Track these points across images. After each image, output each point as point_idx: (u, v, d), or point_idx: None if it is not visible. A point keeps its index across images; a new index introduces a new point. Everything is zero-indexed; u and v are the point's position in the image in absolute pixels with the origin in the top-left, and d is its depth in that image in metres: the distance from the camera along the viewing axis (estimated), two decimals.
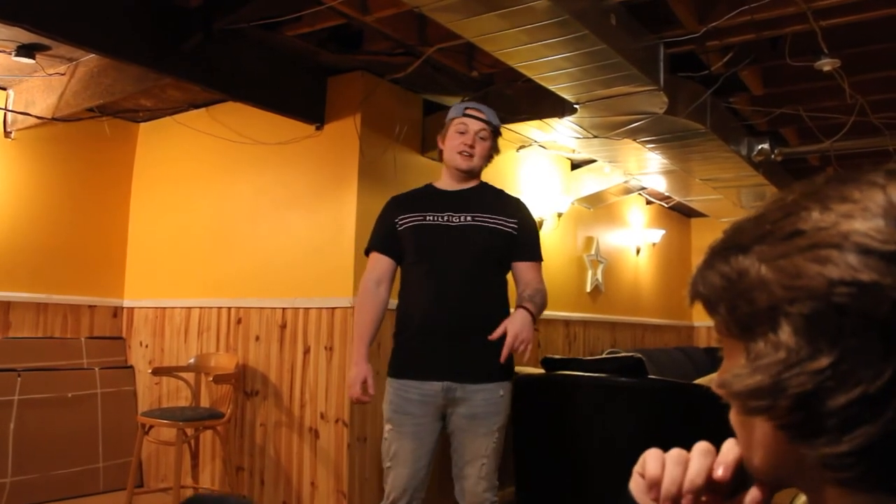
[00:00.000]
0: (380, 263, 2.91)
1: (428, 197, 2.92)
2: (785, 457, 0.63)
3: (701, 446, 0.75)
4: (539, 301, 2.75)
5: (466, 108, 2.88)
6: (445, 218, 2.80)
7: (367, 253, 2.98)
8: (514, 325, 2.59)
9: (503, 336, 2.62)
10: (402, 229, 2.85)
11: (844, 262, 0.56)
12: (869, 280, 0.55)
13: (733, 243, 0.66)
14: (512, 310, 2.78)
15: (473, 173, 2.89)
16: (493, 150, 2.93)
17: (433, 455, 2.79)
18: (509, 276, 2.94)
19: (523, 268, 2.85)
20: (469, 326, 2.71)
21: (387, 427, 2.80)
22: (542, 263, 2.94)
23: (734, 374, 0.63)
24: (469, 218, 2.79)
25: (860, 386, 0.55)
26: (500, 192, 2.99)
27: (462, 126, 2.85)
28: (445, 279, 2.75)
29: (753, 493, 0.72)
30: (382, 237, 2.93)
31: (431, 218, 2.82)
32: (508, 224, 2.82)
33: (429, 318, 2.76)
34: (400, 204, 2.95)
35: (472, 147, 2.83)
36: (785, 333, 0.59)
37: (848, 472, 0.58)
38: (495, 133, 2.91)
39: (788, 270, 0.59)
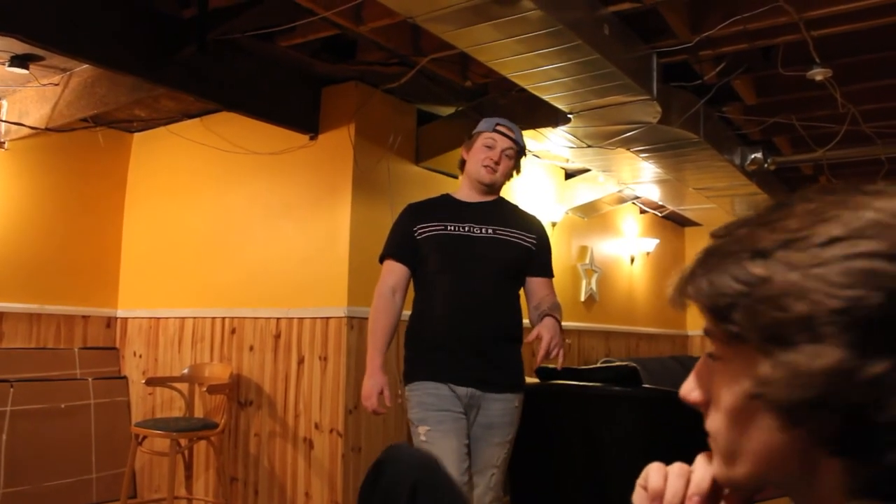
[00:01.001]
0: (396, 271, 2.86)
1: (448, 207, 2.91)
2: (787, 467, 0.62)
3: (704, 457, 0.74)
4: (560, 314, 2.78)
5: (497, 125, 2.89)
6: (467, 229, 2.81)
7: (381, 260, 2.92)
8: (549, 330, 2.59)
9: (519, 349, 2.74)
10: (423, 238, 2.83)
11: (892, 267, 0.55)
12: None
13: (745, 248, 0.64)
14: (525, 321, 2.83)
15: (494, 188, 2.91)
16: (515, 170, 2.97)
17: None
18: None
19: (539, 283, 2.89)
20: (492, 336, 2.75)
21: (422, 430, 2.69)
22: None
23: (764, 382, 0.60)
24: (491, 230, 2.82)
25: None
26: (517, 207, 3.04)
27: (490, 140, 2.86)
28: (469, 289, 2.76)
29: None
30: (399, 245, 2.88)
31: (453, 228, 2.81)
32: (528, 239, 2.87)
33: (456, 328, 2.75)
34: (418, 212, 2.92)
35: (497, 163, 2.85)
36: (830, 344, 0.56)
37: (886, 488, 0.56)
38: (520, 154, 2.94)
39: (831, 278, 0.57)
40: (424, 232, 2.83)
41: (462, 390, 2.71)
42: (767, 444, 0.62)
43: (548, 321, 2.66)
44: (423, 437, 2.69)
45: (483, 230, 2.81)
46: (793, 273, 0.59)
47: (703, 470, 0.73)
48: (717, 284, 0.65)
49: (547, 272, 2.94)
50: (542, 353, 2.57)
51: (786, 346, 0.58)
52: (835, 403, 0.56)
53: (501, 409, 2.74)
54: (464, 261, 2.78)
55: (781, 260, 0.60)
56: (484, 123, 2.93)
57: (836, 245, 0.58)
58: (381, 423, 4.11)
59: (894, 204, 0.58)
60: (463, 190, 2.95)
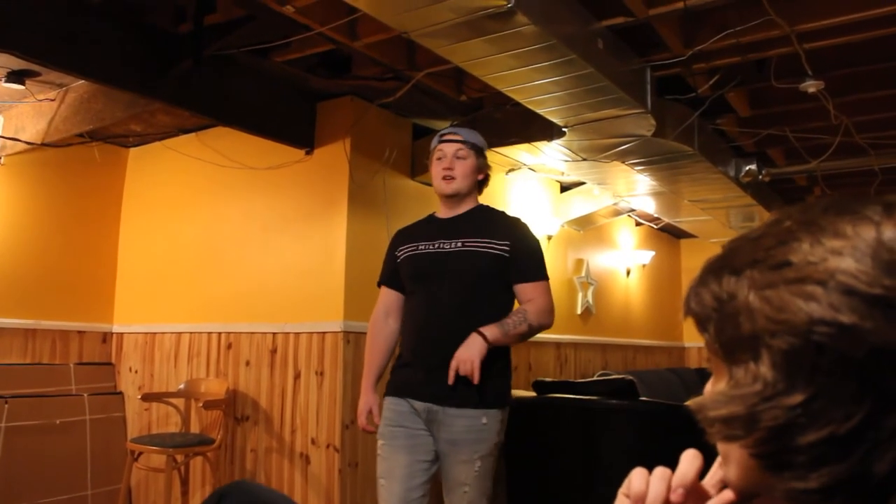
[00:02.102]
0: (387, 296, 2.95)
1: (425, 227, 2.93)
2: (757, 480, 0.64)
3: (692, 452, 0.75)
4: (511, 322, 2.69)
5: (442, 135, 2.88)
6: (437, 245, 2.80)
7: (378, 286, 3.01)
8: (459, 349, 2.59)
9: (492, 364, 2.62)
10: (401, 261, 2.87)
11: (827, 300, 0.57)
12: (849, 322, 0.55)
13: (727, 263, 0.66)
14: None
15: (460, 195, 2.84)
16: (481, 168, 2.88)
17: (429, 480, 2.73)
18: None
19: (520, 290, 2.80)
20: (451, 351, 2.64)
21: (379, 444, 2.78)
22: (548, 282, 2.87)
23: (712, 399, 0.64)
24: (460, 244, 2.77)
25: (830, 426, 0.56)
26: (498, 213, 2.94)
27: (440, 153, 2.84)
28: (433, 306, 2.74)
29: (726, 495, 0.72)
30: (388, 271, 2.97)
31: (424, 247, 2.82)
32: (498, 246, 2.76)
33: (416, 345, 2.76)
34: (400, 236, 2.98)
35: (450, 169, 2.81)
36: (764, 365, 0.59)
37: None
38: (476, 149, 2.86)
39: (774, 302, 0.59)
40: (402, 254, 2.87)
41: (420, 405, 2.70)
42: (741, 457, 0.65)
43: (467, 339, 2.62)
44: (378, 451, 2.77)
45: (453, 244, 2.78)
46: (750, 292, 0.62)
47: (688, 464, 0.74)
48: (700, 298, 0.68)
49: (526, 276, 2.80)
50: (450, 374, 2.58)
51: (736, 363, 0.62)
52: (761, 422, 0.59)
53: (465, 425, 2.65)
54: (433, 278, 2.77)
55: (747, 278, 0.63)
56: (433, 141, 2.93)
57: (786, 269, 0.60)
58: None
59: (846, 243, 0.59)
60: (440, 208, 2.94)
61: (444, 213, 2.91)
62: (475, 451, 2.66)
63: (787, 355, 0.58)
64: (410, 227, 3.01)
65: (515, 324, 2.70)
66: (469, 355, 2.57)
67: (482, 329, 2.62)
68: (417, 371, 2.73)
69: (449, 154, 2.82)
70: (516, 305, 2.82)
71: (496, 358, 2.68)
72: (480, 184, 2.92)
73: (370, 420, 2.82)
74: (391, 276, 2.94)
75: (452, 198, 2.85)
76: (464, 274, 2.74)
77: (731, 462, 0.68)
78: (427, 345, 2.73)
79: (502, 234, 2.79)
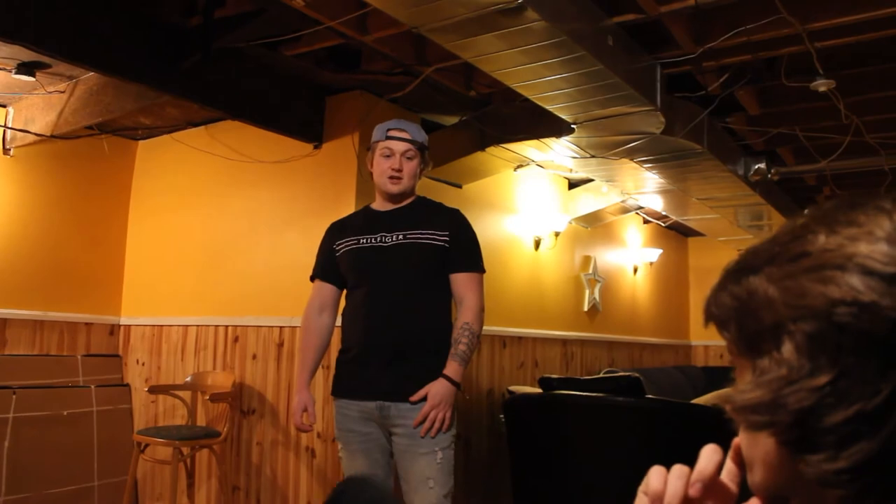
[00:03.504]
0: (322, 290, 2.94)
1: (363, 219, 2.91)
2: (786, 473, 0.64)
3: (712, 447, 0.76)
4: (465, 346, 2.69)
5: (389, 130, 2.85)
6: (379, 239, 2.79)
7: (311, 280, 2.99)
8: (434, 397, 2.61)
9: (436, 353, 2.67)
10: (340, 254, 2.86)
11: (846, 282, 0.58)
12: (869, 300, 0.57)
13: (746, 265, 0.67)
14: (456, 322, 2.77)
15: (405, 195, 2.86)
16: (423, 166, 2.90)
17: (391, 473, 2.76)
18: None
19: (456, 280, 2.78)
20: (403, 346, 2.69)
21: (339, 446, 2.82)
22: (483, 275, 2.85)
23: (738, 389, 0.65)
24: (401, 236, 2.76)
25: (858, 403, 0.56)
26: (436, 205, 2.95)
27: (387, 150, 2.81)
28: (380, 300, 2.74)
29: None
30: (323, 264, 2.95)
31: (365, 240, 2.80)
32: (440, 237, 2.76)
33: (364, 339, 2.75)
34: (337, 229, 2.96)
35: (399, 170, 2.80)
36: (787, 351, 0.60)
37: (845, 488, 0.59)
38: (422, 149, 2.87)
39: (793, 290, 0.61)
40: (341, 248, 2.86)
41: (371, 404, 2.70)
42: (768, 452, 0.65)
43: (437, 385, 2.62)
44: (339, 454, 2.83)
45: (394, 237, 2.77)
46: (770, 286, 0.63)
47: (706, 458, 0.74)
48: (720, 301, 0.69)
49: (463, 266, 2.79)
50: (424, 427, 2.59)
51: (760, 355, 0.63)
52: (788, 405, 0.60)
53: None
54: (375, 271, 2.77)
55: (766, 274, 0.64)
56: (377, 132, 2.88)
57: (803, 259, 0.62)
58: None
59: (860, 230, 0.61)
60: (377, 199, 2.93)
61: (382, 205, 2.90)
62: (435, 442, 2.65)
63: (809, 338, 0.59)
64: (346, 220, 3.01)
65: (470, 346, 2.71)
66: (446, 406, 2.62)
67: (446, 372, 2.65)
68: (365, 367, 2.73)
69: (397, 153, 2.81)
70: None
71: (442, 350, 2.70)
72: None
73: (306, 418, 2.82)
74: (326, 269, 2.92)
75: (399, 197, 2.85)
76: (406, 266, 2.74)
77: (756, 460, 0.68)
78: (374, 340, 2.72)
79: (442, 225, 2.80)
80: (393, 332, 2.69)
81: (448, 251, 2.77)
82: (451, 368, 2.66)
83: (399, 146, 2.81)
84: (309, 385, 2.87)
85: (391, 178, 2.80)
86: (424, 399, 2.64)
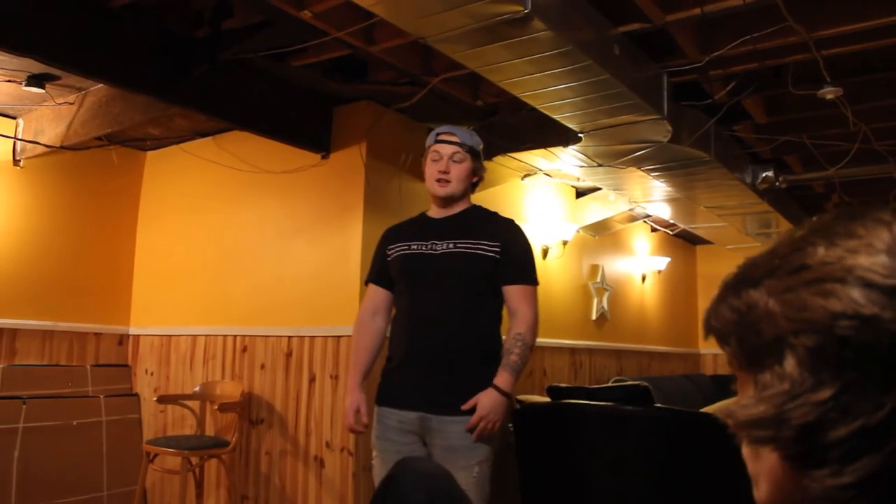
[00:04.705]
0: (376, 294, 2.92)
1: (417, 226, 2.89)
2: (790, 488, 0.64)
3: None
4: (517, 357, 2.65)
5: (438, 134, 2.83)
6: (429, 246, 2.76)
7: (366, 284, 2.98)
8: (484, 407, 2.57)
9: (486, 368, 2.62)
10: (391, 259, 2.84)
11: (847, 295, 0.57)
12: (870, 313, 0.56)
13: (745, 277, 0.67)
14: (504, 337, 2.73)
15: (454, 198, 2.81)
16: (476, 171, 2.85)
17: None
18: None
19: (508, 292, 2.74)
20: (447, 356, 2.65)
21: (373, 453, 2.78)
22: (537, 287, 2.80)
23: (741, 404, 0.64)
24: (451, 245, 2.73)
25: (861, 418, 0.56)
26: (490, 214, 2.91)
27: (435, 154, 2.80)
28: (426, 308, 2.72)
29: None
30: (377, 269, 2.93)
31: (416, 247, 2.78)
32: (490, 248, 2.71)
33: (409, 348, 2.72)
34: (391, 234, 2.94)
35: (446, 172, 2.77)
36: (789, 365, 0.60)
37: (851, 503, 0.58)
38: (473, 153, 2.82)
39: (794, 303, 0.60)
40: (392, 253, 2.84)
41: (412, 415, 2.66)
42: (773, 467, 0.65)
43: (488, 395, 2.58)
44: (372, 461, 2.79)
45: (445, 245, 2.74)
46: (770, 299, 0.63)
47: None
48: (720, 314, 0.69)
49: (515, 278, 2.74)
50: (475, 434, 2.56)
51: (761, 369, 0.63)
52: (791, 420, 0.59)
53: (461, 431, 2.61)
54: (423, 279, 2.74)
55: (765, 287, 0.64)
56: (429, 138, 2.87)
57: (803, 272, 0.61)
58: None
59: (860, 242, 0.60)
60: (432, 206, 2.91)
61: (436, 212, 2.88)
62: (472, 456, 2.62)
63: (811, 352, 0.58)
64: (401, 226, 2.98)
65: (522, 357, 2.67)
66: (496, 416, 2.57)
67: (497, 382, 2.60)
68: (406, 376, 2.71)
69: (445, 156, 2.78)
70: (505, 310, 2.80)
71: (489, 362, 2.66)
72: (474, 185, 2.89)
73: (357, 419, 2.77)
74: (380, 273, 2.90)
75: (447, 200, 2.82)
76: (455, 275, 2.71)
77: (761, 475, 0.67)
78: (417, 348, 2.70)
79: (494, 236, 2.75)
80: (436, 340, 2.66)
81: (499, 262, 2.72)
82: (502, 379, 2.60)
83: (447, 149, 2.79)
84: (361, 387, 2.81)
85: (438, 180, 2.78)
86: (472, 410, 2.59)
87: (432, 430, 2.64)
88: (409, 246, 2.80)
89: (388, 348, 2.86)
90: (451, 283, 2.71)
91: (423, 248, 2.76)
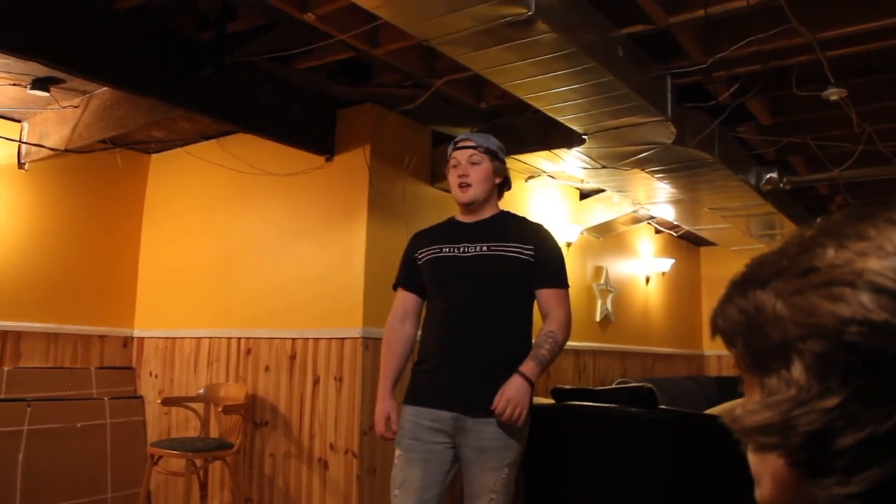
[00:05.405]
0: (405, 299, 2.90)
1: (447, 229, 2.88)
2: (795, 494, 0.63)
3: None
4: (546, 352, 2.66)
5: (456, 142, 2.84)
6: (461, 249, 2.75)
7: (394, 288, 2.96)
8: (510, 389, 2.56)
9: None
10: (421, 263, 2.83)
11: (857, 300, 0.56)
12: (880, 319, 0.55)
13: (752, 278, 0.66)
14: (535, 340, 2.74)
15: (478, 202, 2.80)
16: (498, 171, 2.82)
17: (443, 489, 2.72)
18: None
19: (542, 295, 2.77)
20: (481, 358, 2.65)
21: (396, 453, 2.75)
22: (568, 290, 2.84)
23: (747, 409, 0.63)
24: (484, 248, 2.73)
25: (869, 427, 0.55)
26: (522, 219, 2.91)
27: (454, 161, 2.80)
28: (460, 310, 2.71)
29: None
30: (406, 273, 2.91)
31: (448, 250, 2.77)
32: (525, 251, 2.72)
33: (442, 349, 2.71)
34: (420, 238, 2.93)
35: (465, 176, 2.76)
36: (796, 370, 0.58)
37: None
38: (491, 154, 2.80)
39: (802, 307, 0.59)
40: (423, 257, 2.83)
41: (446, 415, 2.66)
42: (778, 470, 0.64)
43: (512, 381, 2.58)
44: (395, 461, 2.75)
45: (477, 248, 2.73)
46: (777, 301, 0.61)
47: None
48: (727, 314, 0.67)
49: (548, 282, 2.76)
50: (504, 416, 2.55)
51: (768, 373, 0.61)
52: (798, 427, 0.58)
53: (494, 432, 2.62)
54: (455, 281, 2.74)
55: (773, 289, 0.62)
56: (449, 149, 2.87)
57: (812, 275, 0.60)
58: None
59: (870, 244, 0.59)
60: (461, 214, 2.90)
61: (465, 217, 2.86)
62: (503, 458, 2.64)
63: (819, 358, 0.57)
64: (430, 230, 2.97)
65: (552, 352, 2.68)
66: (520, 401, 2.56)
67: (523, 369, 2.60)
68: (442, 377, 2.70)
69: (463, 161, 2.77)
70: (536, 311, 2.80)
71: (519, 361, 2.65)
72: (500, 188, 2.87)
73: (388, 426, 2.76)
74: (409, 278, 2.89)
75: (471, 205, 2.80)
76: (489, 278, 2.71)
77: (764, 478, 0.66)
78: (451, 350, 2.70)
79: (527, 239, 2.75)
80: (473, 342, 2.66)
81: (533, 265, 2.73)
82: (528, 367, 2.61)
83: (463, 154, 2.78)
84: (392, 393, 2.80)
85: (459, 185, 2.78)
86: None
87: (466, 431, 2.64)
88: (441, 249, 2.79)
89: (420, 349, 2.84)
90: (487, 285, 2.71)
91: (455, 251, 2.76)
